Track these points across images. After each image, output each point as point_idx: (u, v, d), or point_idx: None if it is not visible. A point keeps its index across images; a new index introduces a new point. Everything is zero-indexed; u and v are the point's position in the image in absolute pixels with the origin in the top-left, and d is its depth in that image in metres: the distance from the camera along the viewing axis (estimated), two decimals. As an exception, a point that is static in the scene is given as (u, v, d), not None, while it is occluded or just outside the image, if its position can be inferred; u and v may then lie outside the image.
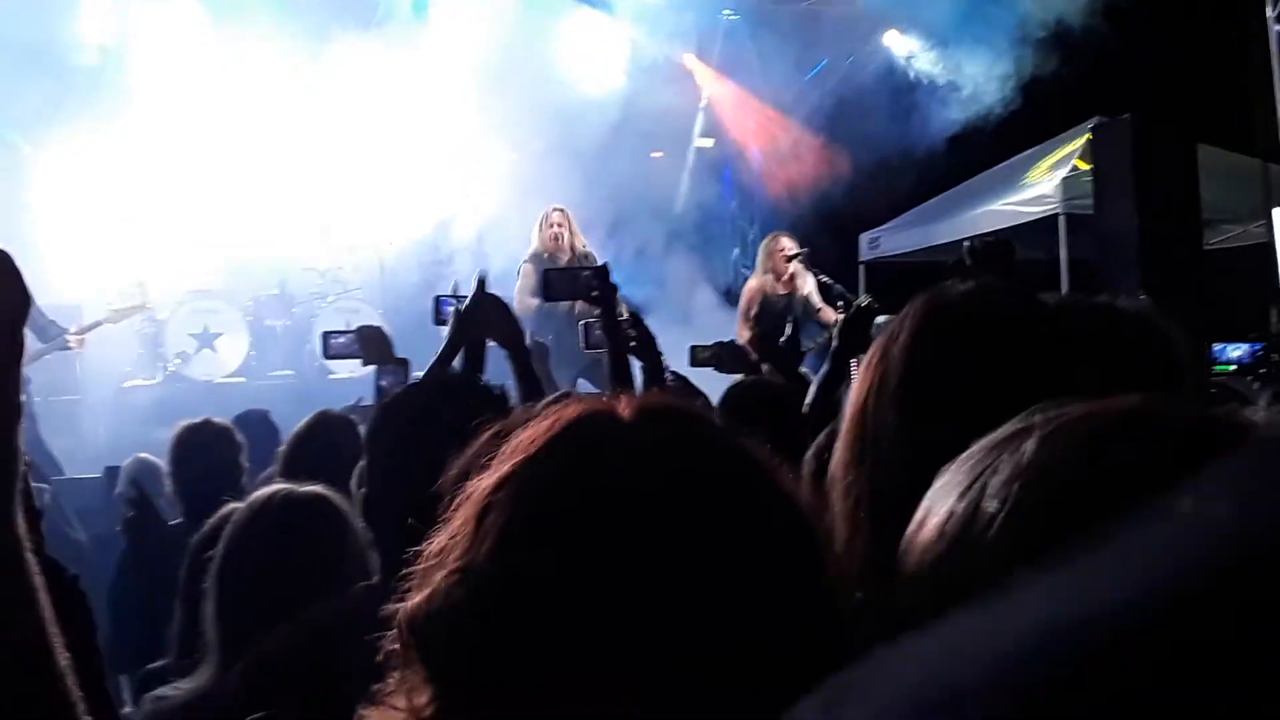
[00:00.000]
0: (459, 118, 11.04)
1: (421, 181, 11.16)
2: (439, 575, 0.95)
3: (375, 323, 6.65)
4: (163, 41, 10.89)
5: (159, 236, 10.45)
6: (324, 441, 3.77)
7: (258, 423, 5.24)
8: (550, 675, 0.89)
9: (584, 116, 11.48)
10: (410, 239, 10.90)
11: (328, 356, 5.90)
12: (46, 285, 7.73)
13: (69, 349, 8.42)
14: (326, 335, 5.59)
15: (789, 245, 8.79)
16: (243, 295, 10.59)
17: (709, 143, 13.08)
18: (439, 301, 4.45)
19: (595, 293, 3.79)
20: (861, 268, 12.62)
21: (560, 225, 8.98)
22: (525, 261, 8.68)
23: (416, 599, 0.96)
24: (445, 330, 5.69)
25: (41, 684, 1.13)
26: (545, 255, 8.85)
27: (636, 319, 3.76)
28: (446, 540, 0.97)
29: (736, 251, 13.02)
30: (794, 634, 0.91)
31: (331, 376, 9.44)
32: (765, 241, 9.15)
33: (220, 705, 2.18)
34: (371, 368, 5.00)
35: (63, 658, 1.13)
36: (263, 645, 2.17)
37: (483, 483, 0.98)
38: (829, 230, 11.17)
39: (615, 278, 3.88)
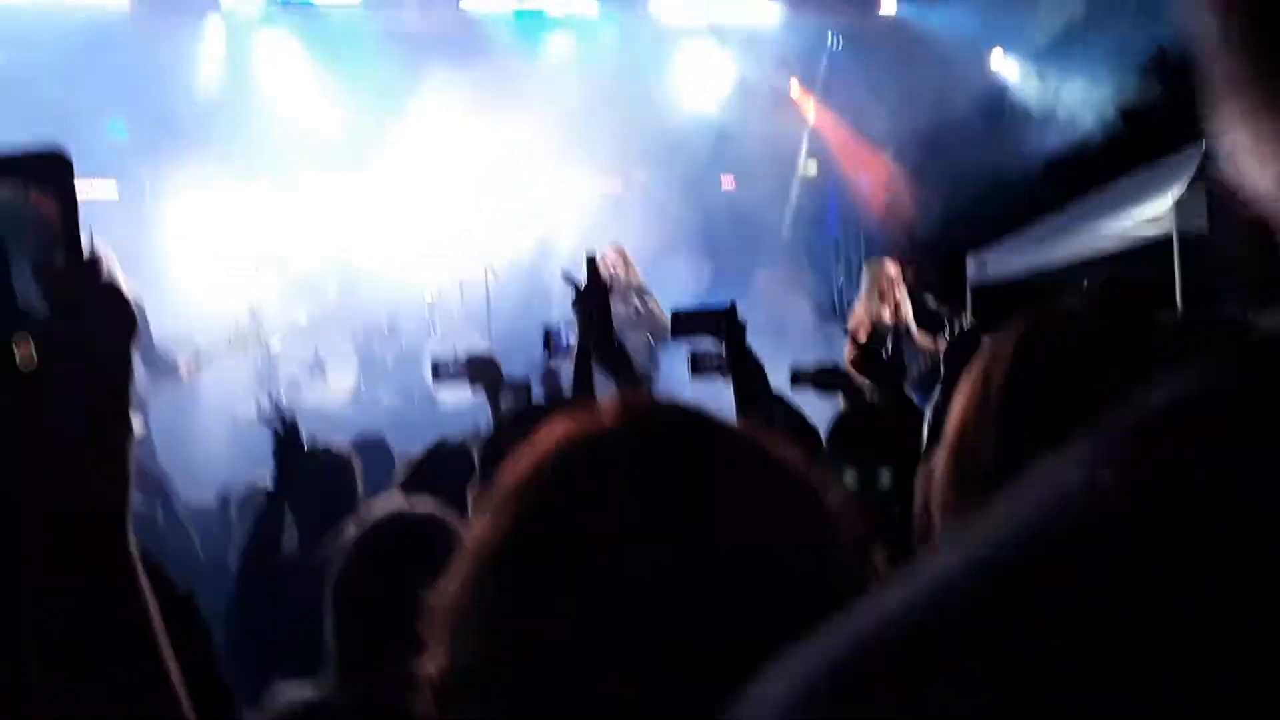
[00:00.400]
0: (562, 149, 11.11)
1: (525, 210, 11.27)
2: (458, 636, 0.95)
3: (482, 348, 6.71)
4: (268, 79, 11.19)
5: (268, 267, 10.67)
6: (440, 470, 3.80)
7: (374, 448, 5.25)
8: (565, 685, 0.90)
9: (688, 144, 11.52)
10: (513, 268, 10.99)
11: (437, 381, 5.93)
12: (159, 315, 7.89)
13: (179, 380, 8.53)
14: (436, 363, 5.63)
15: (893, 269, 8.78)
16: (351, 323, 10.78)
17: (813, 169, 13.03)
18: (551, 334, 4.43)
19: (725, 331, 3.83)
20: (970, 291, 12.44)
21: (615, 264, 9.11)
22: None
23: (440, 663, 0.96)
24: (551, 360, 5.76)
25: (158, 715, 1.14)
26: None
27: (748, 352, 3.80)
28: (456, 593, 0.96)
29: (840, 277, 12.96)
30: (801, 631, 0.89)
31: (441, 404, 9.54)
32: (869, 266, 9.13)
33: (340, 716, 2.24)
34: (482, 395, 5.05)
35: (178, 683, 1.12)
36: (380, 664, 2.23)
37: (480, 530, 0.97)
38: (933, 254, 11.07)
39: (722, 301, 3.92)
